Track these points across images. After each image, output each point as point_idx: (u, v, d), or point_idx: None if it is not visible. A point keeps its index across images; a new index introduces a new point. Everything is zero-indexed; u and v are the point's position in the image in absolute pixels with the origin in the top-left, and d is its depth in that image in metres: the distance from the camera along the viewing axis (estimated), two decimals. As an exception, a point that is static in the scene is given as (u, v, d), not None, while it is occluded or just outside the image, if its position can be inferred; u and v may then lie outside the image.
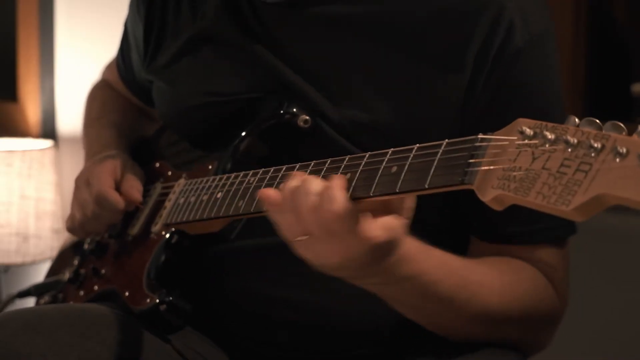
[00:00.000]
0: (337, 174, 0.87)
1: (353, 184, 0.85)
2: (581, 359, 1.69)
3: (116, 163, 1.24)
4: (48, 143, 2.37)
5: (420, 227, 0.94)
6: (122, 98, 1.45)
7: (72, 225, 1.27)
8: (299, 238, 0.87)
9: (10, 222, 2.26)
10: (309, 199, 0.84)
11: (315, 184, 0.85)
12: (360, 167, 0.86)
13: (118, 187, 1.22)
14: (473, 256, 1.09)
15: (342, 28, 1.08)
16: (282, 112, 1.09)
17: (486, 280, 1.02)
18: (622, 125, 0.66)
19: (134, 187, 1.21)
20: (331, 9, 1.08)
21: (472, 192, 0.94)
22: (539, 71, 1.05)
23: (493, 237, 1.09)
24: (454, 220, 1.11)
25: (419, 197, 0.84)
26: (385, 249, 0.86)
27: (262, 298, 1.14)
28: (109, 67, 1.51)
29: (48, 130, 2.49)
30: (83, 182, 1.25)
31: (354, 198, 0.85)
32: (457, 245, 1.12)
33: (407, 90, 1.05)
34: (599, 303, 1.67)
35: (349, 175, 0.86)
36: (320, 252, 0.87)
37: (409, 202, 0.86)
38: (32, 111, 2.49)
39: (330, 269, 0.88)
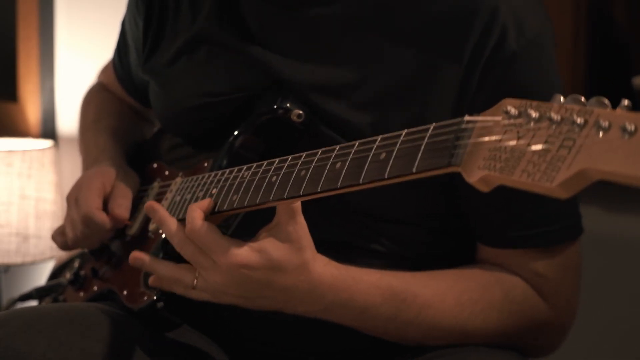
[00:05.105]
0: (326, 164, 0.89)
1: (343, 172, 0.86)
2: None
3: (106, 178, 1.24)
4: (48, 143, 2.37)
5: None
6: (118, 101, 1.45)
7: (64, 243, 1.28)
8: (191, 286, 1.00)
9: (10, 222, 2.26)
10: (174, 241, 0.99)
11: (172, 223, 0.99)
12: (350, 156, 0.86)
13: (107, 203, 1.23)
14: (479, 260, 1.10)
15: (338, 28, 1.08)
16: (275, 107, 1.09)
17: (435, 300, 1.03)
18: (605, 100, 0.66)
19: (122, 206, 1.21)
20: (327, 9, 1.08)
21: (472, 196, 0.93)
22: (537, 73, 1.05)
23: (494, 242, 1.09)
24: (456, 224, 1.11)
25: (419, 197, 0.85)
26: (266, 267, 0.94)
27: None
28: (104, 70, 1.51)
29: (48, 130, 2.49)
30: (73, 200, 1.25)
31: (217, 212, 0.97)
32: (459, 248, 1.12)
33: (403, 90, 1.05)
34: (599, 305, 1.67)
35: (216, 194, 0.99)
36: (208, 286, 0.99)
37: (294, 226, 0.93)
38: (32, 111, 2.49)
39: (224, 295, 0.99)
